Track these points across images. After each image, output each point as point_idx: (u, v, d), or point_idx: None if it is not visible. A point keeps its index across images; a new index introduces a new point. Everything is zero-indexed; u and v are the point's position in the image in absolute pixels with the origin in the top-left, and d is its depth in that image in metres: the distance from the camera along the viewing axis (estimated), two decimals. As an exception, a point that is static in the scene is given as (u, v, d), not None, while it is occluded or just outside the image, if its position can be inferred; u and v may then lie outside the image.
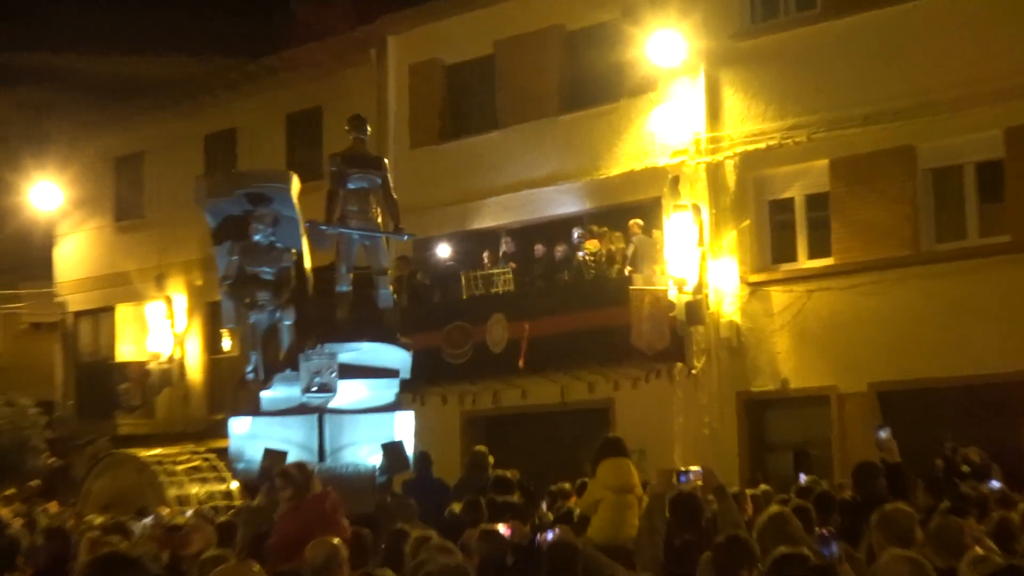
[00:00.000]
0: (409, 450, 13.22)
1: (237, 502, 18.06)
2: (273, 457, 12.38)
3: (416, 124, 23.87)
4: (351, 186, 13.54)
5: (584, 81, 21.99)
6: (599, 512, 11.54)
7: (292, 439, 12.92)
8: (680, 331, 19.82)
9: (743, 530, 7.68)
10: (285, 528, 9.39)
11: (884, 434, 10.66)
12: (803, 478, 15.70)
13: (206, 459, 21.03)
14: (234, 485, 18.86)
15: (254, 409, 13.18)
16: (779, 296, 19.63)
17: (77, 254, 29.88)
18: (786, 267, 19.86)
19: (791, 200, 19.95)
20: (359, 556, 8.75)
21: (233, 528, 10.56)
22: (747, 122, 20.02)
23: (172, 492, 19.99)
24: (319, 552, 7.33)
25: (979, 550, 7.12)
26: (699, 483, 8.50)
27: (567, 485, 14.37)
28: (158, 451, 21.66)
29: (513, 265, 21.27)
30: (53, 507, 19.76)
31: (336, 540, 7.52)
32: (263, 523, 9.97)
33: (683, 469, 8.49)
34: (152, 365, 27.31)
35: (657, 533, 7.98)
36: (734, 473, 18.61)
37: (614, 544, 10.39)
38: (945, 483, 12.83)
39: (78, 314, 29.85)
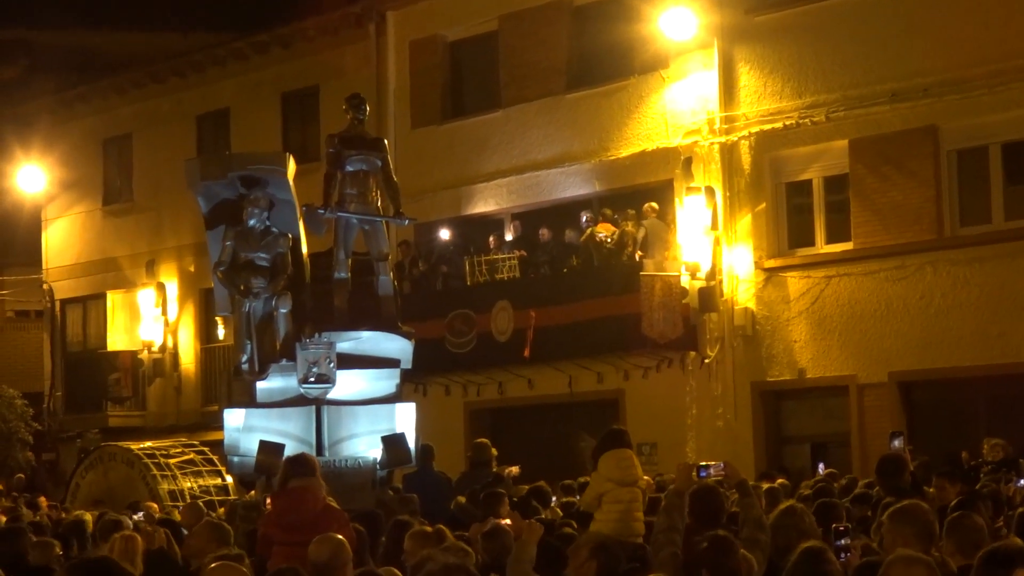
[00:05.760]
0: (411, 443, 13.35)
1: (232, 497, 18.15)
2: (269, 450, 12.54)
3: (417, 103, 23.70)
4: (349, 168, 13.66)
5: (592, 58, 21.76)
6: (603, 506, 11.49)
7: (289, 432, 13.05)
8: (693, 319, 19.75)
9: (765, 528, 7.79)
10: (267, 527, 9.25)
11: (897, 443, 10.96)
12: (821, 468, 15.48)
13: (200, 452, 21.14)
14: (229, 479, 18.94)
15: (249, 401, 13.33)
16: (796, 282, 19.44)
17: (65, 239, 29.92)
18: (803, 252, 19.67)
19: (809, 182, 19.75)
20: (356, 554, 8.77)
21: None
22: (763, 100, 19.79)
23: (164, 486, 20.09)
24: (323, 549, 7.23)
25: None
26: (720, 478, 8.40)
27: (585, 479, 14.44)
28: (149, 444, 21.62)
29: (522, 252, 21.21)
30: (42, 502, 19.52)
31: (340, 537, 7.43)
32: (258, 519, 10.11)
33: (703, 464, 8.40)
34: (143, 355, 27.26)
35: (676, 531, 7.94)
36: (749, 466, 18.52)
37: (624, 539, 10.23)
38: (966, 476, 12.72)
39: (66, 302, 29.91)
